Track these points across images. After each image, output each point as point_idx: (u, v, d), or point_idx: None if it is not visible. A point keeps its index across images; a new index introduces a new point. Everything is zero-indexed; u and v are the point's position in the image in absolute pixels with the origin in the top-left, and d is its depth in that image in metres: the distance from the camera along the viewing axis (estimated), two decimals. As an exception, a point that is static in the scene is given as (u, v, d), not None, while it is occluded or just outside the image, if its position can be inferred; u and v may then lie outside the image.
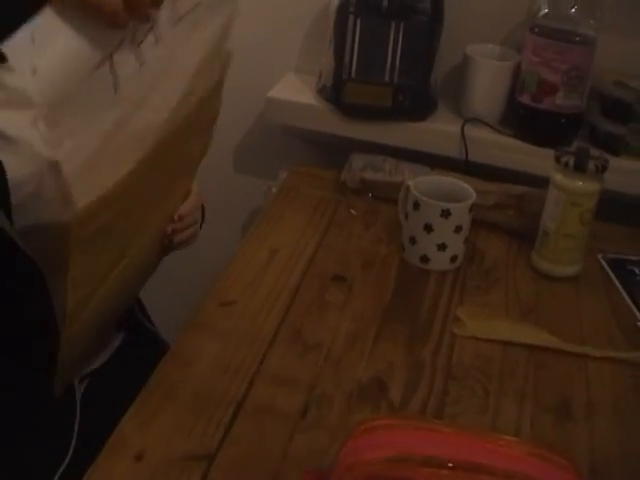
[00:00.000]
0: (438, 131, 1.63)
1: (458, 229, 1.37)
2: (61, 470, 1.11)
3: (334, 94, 1.63)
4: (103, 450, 0.99)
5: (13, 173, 0.81)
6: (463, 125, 1.61)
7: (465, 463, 0.82)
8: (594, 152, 1.37)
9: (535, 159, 1.56)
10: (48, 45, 0.82)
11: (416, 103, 1.61)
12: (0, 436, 1.11)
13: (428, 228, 1.36)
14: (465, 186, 1.40)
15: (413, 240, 1.39)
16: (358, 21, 1.55)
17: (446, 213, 1.34)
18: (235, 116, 1.84)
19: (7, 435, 1.11)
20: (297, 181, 1.65)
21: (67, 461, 1.12)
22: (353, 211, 1.54)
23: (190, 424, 1.04)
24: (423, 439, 0.84)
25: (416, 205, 1.37)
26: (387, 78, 1.58)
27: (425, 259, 1.39)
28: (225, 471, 0.98)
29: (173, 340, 1.20)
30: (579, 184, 1.34)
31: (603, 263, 1.47)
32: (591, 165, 1.33)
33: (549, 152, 1.40)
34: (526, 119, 1.59)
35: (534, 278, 1.41)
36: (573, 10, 1.50)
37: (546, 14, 1.52)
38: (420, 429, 0.86)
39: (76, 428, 1.15)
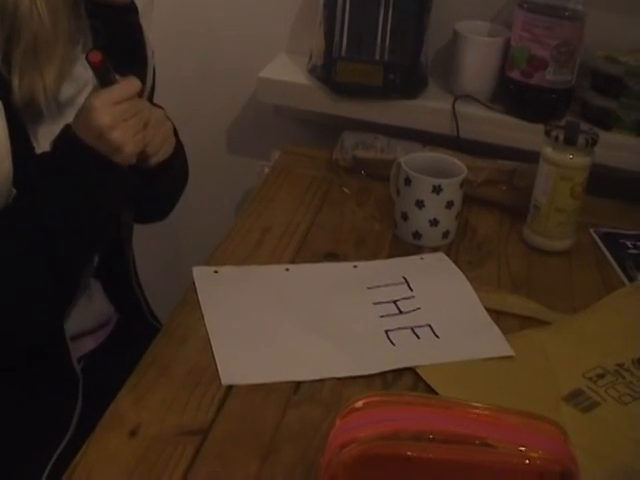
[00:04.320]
0: (429, 108, 1.64)
1: (449, 205, 1.37)
2: (60, 449, 1.12)
3: (325, 73, 1.63)
4: (98, 426, 1.00)
5: None
6: (454, 102, 1.61)
7: (457, 436, 0.83)
8: (584, 126, 1.37)
9: (526, 134, 1.56)
10: None
11: (407, 81, 1.61)
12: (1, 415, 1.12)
13: (420, 204, 1.37)
14: (456, 162, 1.40)
15: (405, 216, 1.39)
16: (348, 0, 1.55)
17: (437, 189, 1.35)
18: (227, 97, 1.85)
19: (9, 415, 1.13)
20: (290, 161, 1.65)
21: (66, 440, 1.13)
22: (346, 189, 1.55)
23: (184, 400, 1.04)
24: (415, 414, 0.85)
25: (407, 181, 1.37)
26: (377, 56, 1.58)
27: (417, 235, 1.39)
28: (219, 446, 0.99)
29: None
30: (569, 157, 1.34)
31: (595, 237, 1.47)
32: (581, 139, 1.33)
33: (540, 127, 1.41)
34: (516, 95, 1.59)
35: (526, 252, 1.42)
36: (562, -15, 1.50)
37: (535, -11, 1.52)
38: (412, 404, 0.86)
39: (78, 407, 1.16)
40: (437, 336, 1.18)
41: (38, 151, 1.07)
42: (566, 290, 1.33)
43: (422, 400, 0.89)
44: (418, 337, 1.17)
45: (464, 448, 0.83)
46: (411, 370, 1.12)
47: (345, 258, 1.34)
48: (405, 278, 1.29)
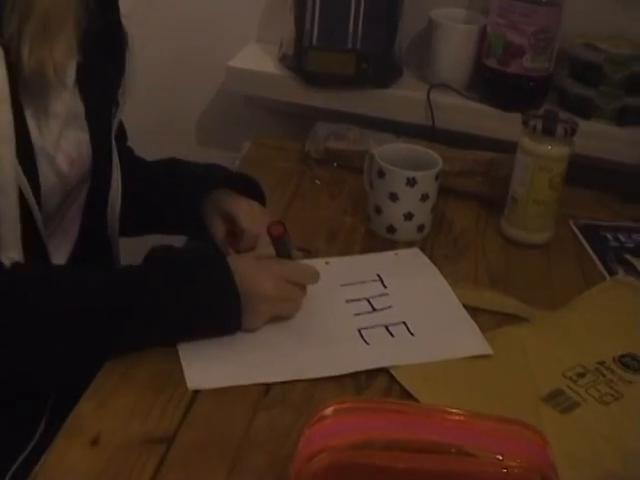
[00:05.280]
0: (403, 98, 1.60)
1: (424, 197, 1.33)
2: (22, 457, 1.07)
3: (296, 62, 1.59)
4: (59, 435, 0.95)
5: None
6: (429, 91, 1.57)
7: (431, 444, 0.79)
8: (563, 115, 1.34)
9: (503, 124, 1.52)
10: None
11: (380, 70, 1.57)
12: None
13: (393, 197, 1.32)
14: (431, 153, 1.36)
15: (379, 210, 1.35)
16: (319, -13, 1.51)
17: (412, 181, 1.31)
18: (197, 88, 1.80)
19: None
20: (261, 153, 1.61)
21: (30, 447, 1.08)
22: (318, 181, 1.50)
23: (148, 406, 0.99)
24: (387, 422, 0.81)
25: (381, 174, 1.33)
26: (350, 45, 1.54)
27: (391, 229, 1.35)
28: (184, 454, 0.94)
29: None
30: (547, 148, 1.30)
31: (575, 229, 1.44)
32: (559, 128, 1.29)
33: (517, 117, 1.37)
34: (493, 83, 1.56)
35: (504, 246, 1.38)
36: (539, -30, 1.46)
37: (511, -25, 1.48)
38: (384, 411, 0.82)
39: (46, 412, 1.11)
40: (412, 334, 1.13)
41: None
42: (545, 285, 1.29)
43: (395, 406, 0.84)
44: (392, 335, 1.13)
45: (439, 457, 0.79)
46: (386, 371, 1.07)
47: (317, 254, 1.30)
48: (379, 275, 1.25)
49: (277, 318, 1.12)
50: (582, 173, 1.37)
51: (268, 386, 1.03)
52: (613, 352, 1.12)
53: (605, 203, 1.52)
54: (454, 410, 0.83)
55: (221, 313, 1.06)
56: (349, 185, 1.49)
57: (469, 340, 1.13)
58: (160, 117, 1.81)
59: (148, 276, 1.07)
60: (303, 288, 1.14)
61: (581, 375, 1.08)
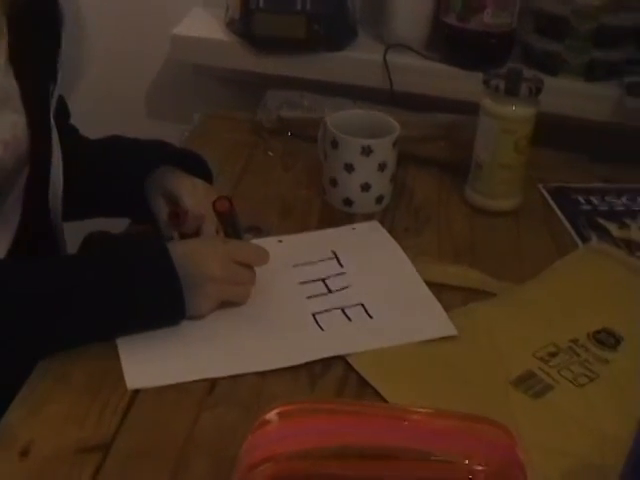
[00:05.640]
0: (359, 60, 1.51)
1: (382, 167, 1.24)
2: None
3: (243, 27, 1.49)
4: (-14, 445, 0.87)
5: None
6: (385, 52, 1.48)
7: (389, 449, 0.71)
8: (527, 73, 1.25)
9: (465, 84, 1.43)
10: None
11: (333, 31, 1.48)
12: None
13: (349, 168, 1.24)
14: (388, 119, 1.28)
15: (334, 182, 1.26)
16: (264, -56, 1.42)
17: (367, 150, 1.22)
18: (142, 58, 1.72)
19: None
20: (211, 124, 1.53)
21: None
22: (270, 153, 1.42)
23: (83, 410, 0.91)
24: (339, 425, 0.73)
25: (334, 143, 1.24)
26: (299, 6, 1.45)
27: (348, 202, 1.26)
28: (122, 462, 0.86)
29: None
30: (511, 109, 1.22)
31: (544, 193, 1.36)
32: (524, 88, 1.21)
33: (479, 76, 1.27)
34: (453, 41, 1.47)
35: (469, 215, 1.30)
36: None
37: None
38: (335, 413, 0.74)
39: None
40: (370, 316, 1.05)
41: None
42: (514, 256, 1.21)
43: (348, 407, 0.76)
44: (349, 319, 1.05)
45: (399, 464, 0.72)
46: (342, 359, 0.99)
47: (269, 232, 1.21)
48: (335, 252, 1.16)
49: (225, 305, 1.03)
50: (549, 133, 1.28)
51: (214, 382, 0.95)
52: (587, 328, 1.04)
53: (575, 164, 1.44)
54: (415, 409, 0.75)
55: (161, 300, 0.98)
56: (304, 156, 1.40)
57: (432, 321, 1.05)
58: (106, 91, 1.72)
59: (80, 266, 0.99)
60: (253, 270, 1.05)
61: (553, 355, 1.00)
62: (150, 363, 0.96)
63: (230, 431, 0.89)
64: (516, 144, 1.23)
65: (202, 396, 0.93)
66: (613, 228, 1.27)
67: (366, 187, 1.25)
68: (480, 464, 0.71)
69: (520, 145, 1.24)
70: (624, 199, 1.35)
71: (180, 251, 0.99)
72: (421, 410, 0.75)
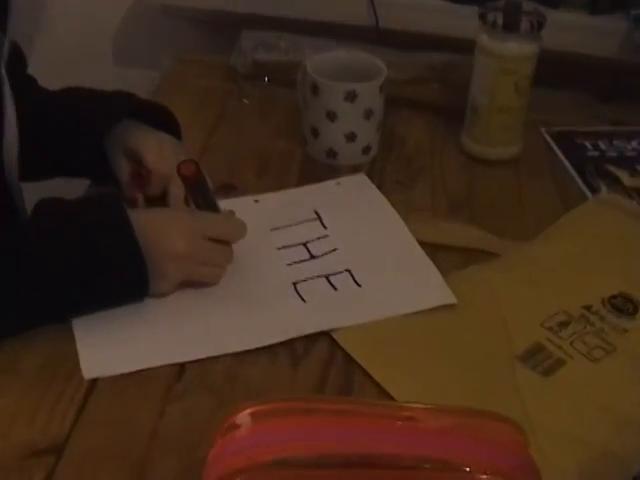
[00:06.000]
0: (341, -5, 1.38)
1: (368, 114, 1.12)
2: None
3: (213, -39, 1.36)
4: None
5: None
6: (370, -15, 1.35)
7: (379, 457, 0.60)
8: (527, 6, 1.12)
9: (459, 20, 1.31)
10: None
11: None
12: None
13: (331, 116, 1.12)
14: (374, 60, 1.15)
15: (315, 132, 1.14)
16: None
17: (351, 95, 1.10)
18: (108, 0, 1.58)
19: None
20: (182, 70, 1.40)
21: None
22: (246, 100, 1.29)
23: (34, 405, 0.80)
24: (321, 429, 0.62)
25: (315, 89, 1.11)
26: None
27: (332, 153, 1.14)
28: (78, 465, 0.75)
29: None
30: (511, 46, 1.10)
31: (548, 138, 1.24)
32: (524, 22, 1.10)
33: (475, 10, 1.15)
34: (444, -29, 1.34)
35: (465, 164, 1.18)
36: None
37: None
38: (316, 413, 0.63)
39: None
40: (358, 284, 0.94)
41: None
42: (516, 210, 1.10)
43: (331, 406, 0.65)
44: (335, 288, 0.94)
45: (390, 474, 0.61)
46: (327, 334, 0.88)
47: (245, 190, 1.10)
48: (317, 212, 1.05)
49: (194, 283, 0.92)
50: (551, 72, 1.16)
51: (182, 367, 0.84)
52: (601, 293, 0.93)
53: (580, 105, 1.31)
54: (407, 405, 0.65)
55: (120, 274, 0.86)
56: (283, 103, 1.27)
57: (428, 288, 0.94)
58: (70, 36, 1.60)
59: (26, 235, 0.87)
60: (228, 247, 0.94)
61: (564, 324, 0.89)
62: (109, 348, 0.85)
63: (201, 425, 0.78)
64: (516, 85, 1.11)
65: (169, 384, 0.83)
66: (624, 176, 1.15)
67: (351, 137, 1.13)
68: (485, 471, 0.60)
69: (521, 86, 1.12)
70: (635, 143, 1.23)
71: (142, 220, 0.88)
72: (415, 406, 0.65)
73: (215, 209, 0.94)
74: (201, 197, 0.93)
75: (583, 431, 0.78)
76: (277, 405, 0.64)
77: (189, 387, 0.82)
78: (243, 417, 0.63)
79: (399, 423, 0.63)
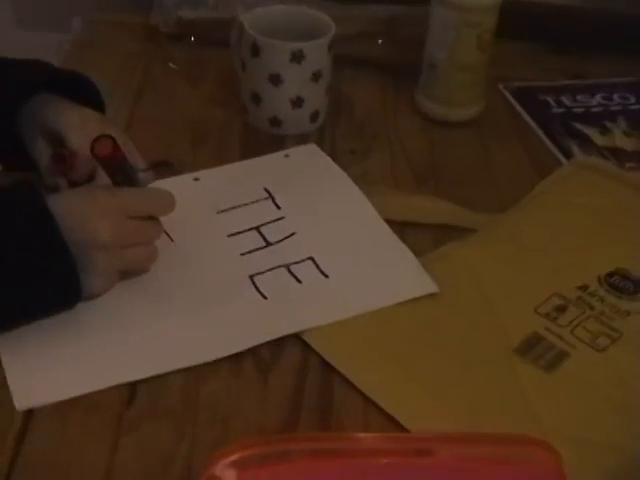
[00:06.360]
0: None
1: (316, 76, 1.00)
2: None
3: None
4: None
5: None
6: None
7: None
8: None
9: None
10: None
11: None
12: None
13: (275, 79, 0.99)
14: (320, 15, 1.03)
15: (257, 98, 1.01)
16: None
17: (298, 56, 0.97)
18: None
19: None
20: (95, 32, 1.24)
21: None
22: (172, 65, 1.15)
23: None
24: (316, 476, 0.50)
25: (255, 49, 0.98)
26: None
27: (276, 121, 1.02)
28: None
29: None
30: (474, -5, 0.99)
31: (507, 95, 1.13)
32: (486, -34, 0.98)
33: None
34: None
35: (424, 127, 1.07)
36: None
37: None
38: (312, 457, 0.52)
39: None
40: (325, 274, 0.82)
41: None
42: (485, 178, 0.99)
43: (329, 444, 0.54)
44: (299, 280, 0.82)
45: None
46: (296, 336, 0.77)
47: (181, 166, 0.96)
48: (268, 190, 0.92)
49: (130, 280, 0.79)
50: (503, 22, 1.05)
51: (132, 389, 0.71)
52: (596, 270, 0.84)
53: (537, 58, 1.21)
54: (421, 435, 0.54)
55: (46, 275, 0.73)
56: (215, 66, 1.14)
57: (405, 276, 0.83)
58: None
59: None
60: (156, 223, 0.81)
61: (561, 309, 0.80)
62: (43, 371, 0.72)
63: (162, 458, 0.66)
64: (479, 39, 1.01)
65: (119, 411, 0.70)
66: (594, 134, 1.06)
67: (298, 102, 1.01)
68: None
69: (483, 40, 1.01)
70: (599, 97, 1.14)
71: (60, 209, 0.74)
72: (430, 436, 0.54)
73: (136, 184, 0.80)
74: (121, 174, 0.79)
75: (601, 435, 0.69)
76: (262, 449, 0.53)
77: (143, 413, 0.70)
78: (222, 468, 0.52)
79: (412, 460, 0.53)
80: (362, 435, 0.59)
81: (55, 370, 0.71)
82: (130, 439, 0.67)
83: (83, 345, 0.73)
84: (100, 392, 0.70)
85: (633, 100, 1.14)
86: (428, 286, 0.81)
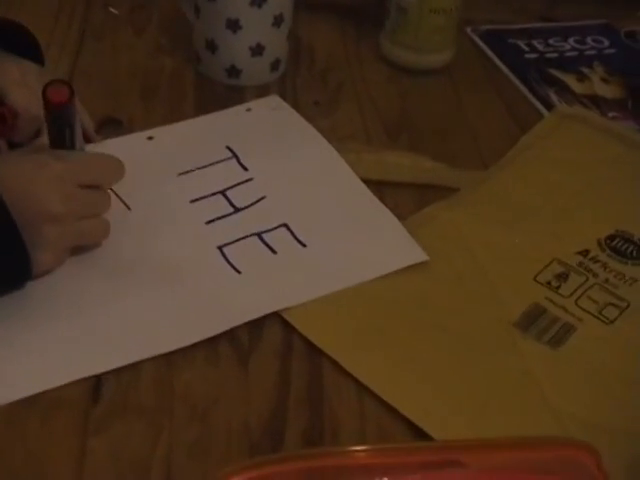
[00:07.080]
0: None
1: (278, 21, 0.91)
2: None
3: None
4: None
5: None
6: None
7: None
8: None
9: None
10: None
11: None
12: None
13: (233, 25, 0.90)
14: (277, -47, 0.93)
15: (213, 45, 0.92)
16: None
17: (258, -1, 0.88)
18: None
19: None
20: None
21: None
22: (113, 9, 1.05)
23: None
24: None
25: (211, -8, 0.89)
26: None
27: (234, 71, 0.93)
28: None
29: None
30: None
31: (476, 39, 1.06)
32: None
33: None
34: None
35: (392, 76, 0.99)
36: None
37: None
38: (319, 475, 0.45)
39: None
40: (302, 244, 0.75)
41: None
42: (462, 130, 0.92)
43: (349, 459, 0.47)
44: (274, 251, 0.74)
45: None
46: (276, 314, 0.69)
47: (132, 125, 0.87)
48: (230, 148, 0.84)
49: (84, 255, 0.71)
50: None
51: (97, 382, 0.63)
52: (595, 233, 0.77)
53: (503, -1, 1.14)
54: (448, 443, 0.47)
55: None
56: (160, 10, 1.05)
57: (390, 243, 0.75)
58: None
59: None
60: (105, 193, 0.72)
61: (562, 277, 0.73)
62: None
63: (137, 462, 0.58)
64: (452, -22, 0.93)
65: (85, 409, 0.61)
66: (571, 81, 1.00)
67: (258, 49, 0.92)
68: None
69: (457, -21, 0.93)
70: (572, 41, 1.08)
71: (1, 176, 0.65)
72: (458, 444, 0.47)
73: (75, 146, 0.72)
74: (68, 129, 0.70)
75: (614, 417, 0.63)
76: (271, 470, 0.45)
77: (112, 410, 0.61)
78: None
79: (442, 475, 0.46)
80: (383, 447, 0.52)
81: (4, 366, 0.62)
82: (99, 442, 0.59)
83: (35, 335, 0.64)
84: (60, 389, 0.62)
85: (607, 44, 1.08)
86: (417, 254, 0.73)
